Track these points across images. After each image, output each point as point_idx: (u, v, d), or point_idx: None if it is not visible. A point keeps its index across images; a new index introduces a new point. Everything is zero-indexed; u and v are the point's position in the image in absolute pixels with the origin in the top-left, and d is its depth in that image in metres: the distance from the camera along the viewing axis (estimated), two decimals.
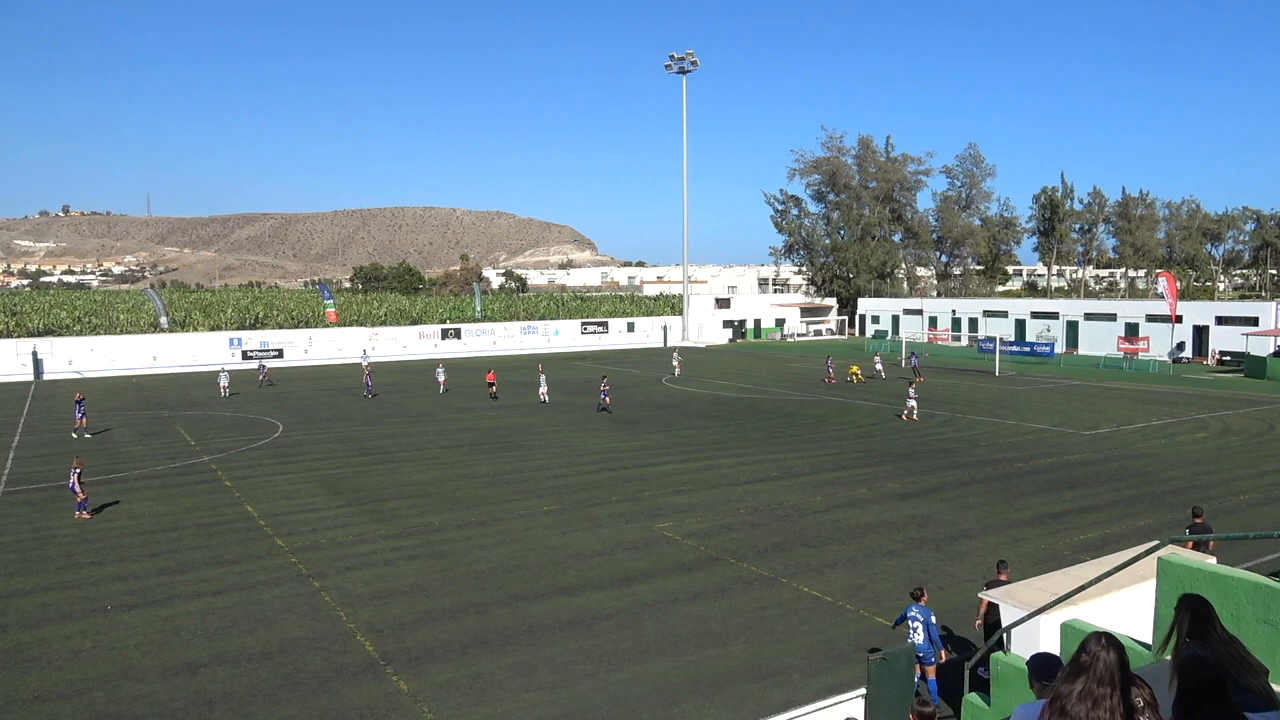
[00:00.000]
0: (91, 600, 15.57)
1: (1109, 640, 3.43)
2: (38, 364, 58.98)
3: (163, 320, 73.81)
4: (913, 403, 35.35)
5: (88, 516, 21.26)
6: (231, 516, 21.37)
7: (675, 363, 56.16)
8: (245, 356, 66.83)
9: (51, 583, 16.62)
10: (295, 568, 17.31)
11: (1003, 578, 12.75)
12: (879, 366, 50.13)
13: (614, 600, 15.18)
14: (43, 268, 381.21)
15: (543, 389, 41.13)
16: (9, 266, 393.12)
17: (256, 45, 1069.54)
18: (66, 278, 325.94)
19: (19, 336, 64.49)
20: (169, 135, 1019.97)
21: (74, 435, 33.51)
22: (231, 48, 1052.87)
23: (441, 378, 46.77)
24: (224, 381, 45.93)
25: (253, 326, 74.03)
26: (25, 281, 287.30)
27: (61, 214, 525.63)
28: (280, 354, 67.39)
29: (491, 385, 43.68)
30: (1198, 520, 14.94)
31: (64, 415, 40.44)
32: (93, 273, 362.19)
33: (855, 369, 50.64)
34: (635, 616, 14.41)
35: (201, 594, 15.84)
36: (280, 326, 74.45)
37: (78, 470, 21.71)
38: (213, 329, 72.36)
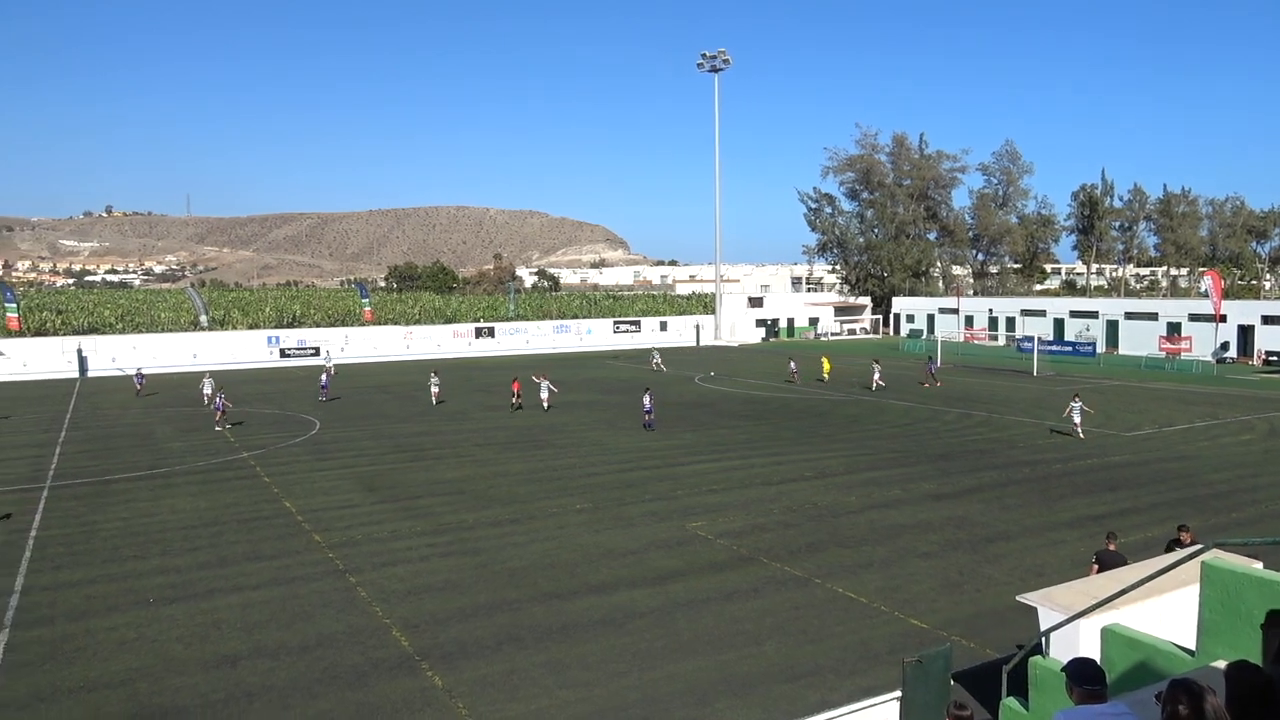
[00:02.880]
0: (135, 593, 15.88)
1: (1198, 689, 3.39)
2: (82, 361, 60.23)
3: (203, 319, 75.03)
4: (877, 374, 42.82)
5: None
6: (270, 512, 21.69)
7: (656, 360, 57.70)
8: (283, 354, 67.76)
9: (97, 575, 16.98)
10: (332, 563, 17.53)
11: (1111, 547, 13.27)
12: (877, 376, 44.78)
13: (647, 599, 15.19)
14: (87, 267, 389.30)
15: (543, 394, 38.68)
16: (55, 266, 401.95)
17: (294, 47, 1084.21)
18: (110, 277, 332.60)
19: (65, 334, 65.92)
20: (209, 136, 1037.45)
21: (217, 428, 34.50)
22: (270, 50, 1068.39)
23: (435, 389, 41.75)
24: (208, 389, 41.37)
25: (290, 325, 75.03)
26: (70, 281, 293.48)
27: (105, 214, 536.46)
28: (317, 352, 68.20)
29: (516, 395, 39.77)
30: (1110, 547, 13.55)
31: (108, 411, 41.29)
32: (135, 272, 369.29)
33: (827, 365, 49.97)
34: (668, 615, 14.41)
35: (241, 588, 16.10)
36: (317, 325, 75.39)
37: None
38: (251, 327, 73.46)
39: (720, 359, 65.66)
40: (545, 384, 39.15)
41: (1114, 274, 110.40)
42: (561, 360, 65.98)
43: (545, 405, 38.30)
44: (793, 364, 51.28)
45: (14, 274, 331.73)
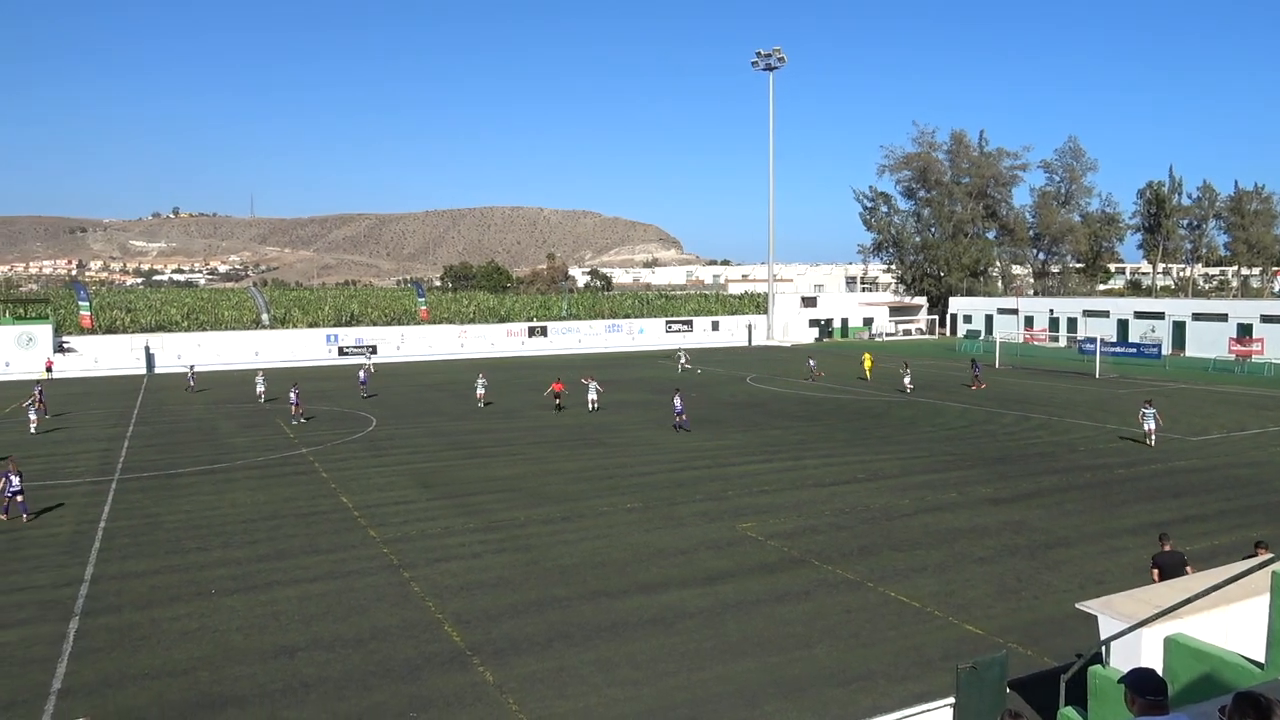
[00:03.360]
0: (197, 584, 16.33)
1: (1266, 703, 3.26)
2: (150, 358, 62.13)
3: (264, 317, 76.89)
4: (907, 377, 42.35)
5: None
6: (327, 507, 22.13)
7: (682, 361, 57.63)
8: (341, 353, 69.06)
9: (161, 566, 17.50)
10: (387, 558, 17.82)
11: (1166, 547, 13.17)
12: (907, 380, 43.68)
13: (696, 599, 15.16)
14: (155, 267, 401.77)
15: (591, 395, 38.50)
16: (125, 266, 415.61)
17: (356, 50, 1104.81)
18: (176, 276, 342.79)
19: (133, 332, 68.09)
20: (272, 138, 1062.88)
21: (293, 421, 35.84)
22: (332, 53, 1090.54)
23: (481, 390, 41.28)
24: (260, 387, 43.77)
25: (348, 323, 76.52)
26: (139, 280, 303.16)
27: (172, 215, 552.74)
28: (374, 350, 69.41)
29: (558, 396, 39.24)
30: (1166, 548, 13.18)
31: (173, 407, 42.55)
32: (200, 271, 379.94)
33: (868, 363, 50.18)
34: (717, 616, 14.37)
35: (298, 581, 16.45)
36: (374, 324, 76.75)
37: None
38: (310, 326, 75.10)
39: (773, 359, 65.26)
40: (593, 385, 38.96)
41: (1181, 274, 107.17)
42: (614, 360, 66.22)
43: (592, 407, 38.07)
44: (812, 362, 51.96)
45: (87, 274, 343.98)
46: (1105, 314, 73.64)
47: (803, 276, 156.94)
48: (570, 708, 11.34)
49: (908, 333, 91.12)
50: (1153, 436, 28.75)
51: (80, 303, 70.88)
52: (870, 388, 45.91)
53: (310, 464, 27.76)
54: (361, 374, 46.82)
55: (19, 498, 21.11)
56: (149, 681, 12.25)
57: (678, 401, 33.42)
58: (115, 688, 12.06)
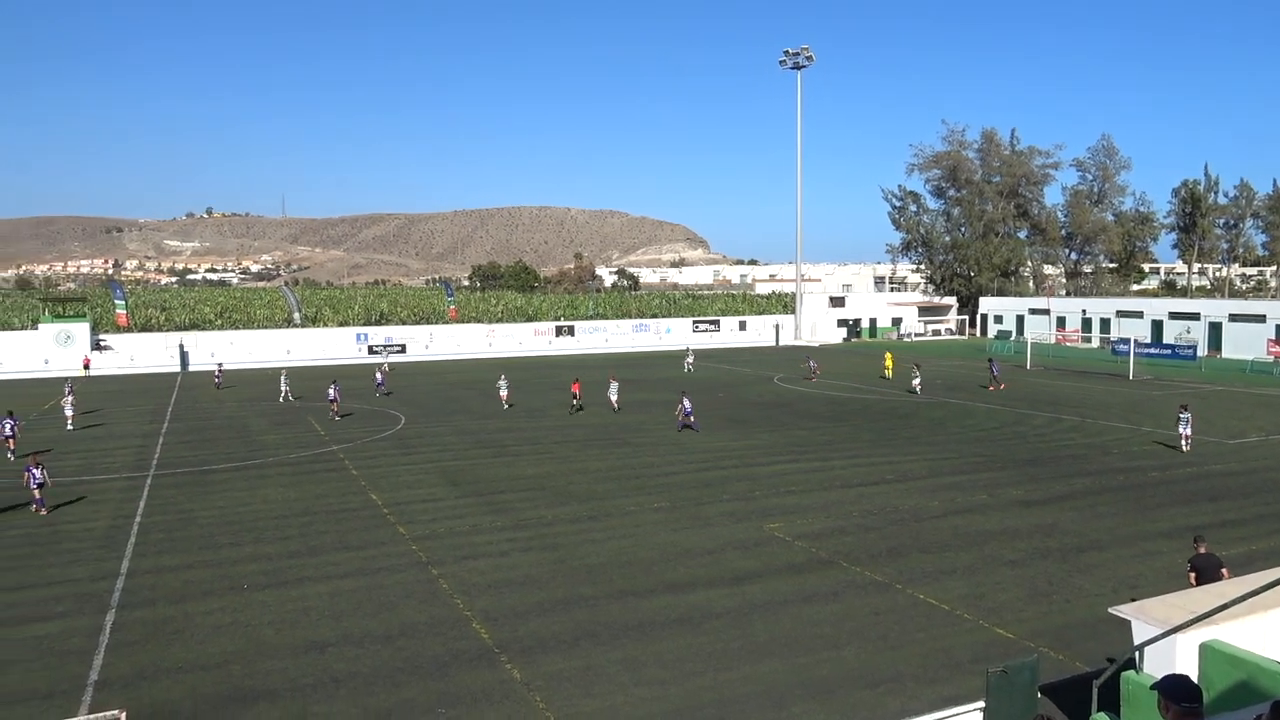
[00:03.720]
0: (230, 579, 16.56)
1: None
2: (184, 356, 63.04)
3: (295, 316, 77.76)
4: (917, 379, 42.08)
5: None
6: (357, 504, 22.34)
7: (689, 361, 57.52)
8: (370, 351, 69.66)
9: (194, 561, 17.76)
10: (415, 555, 17.96)
11: (1201, 550, 12.79)
12: (916, 381, 43.04)
13: (723, 599, 15.14)
14: (189, 266, 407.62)
15: (614, 395, 38.23)
16: (160, 265, 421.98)
17: (384, 51, 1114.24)
18: (210, 275, 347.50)
19: (168, 330, 69.15)
20: (304, 139, 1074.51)
21: (333, 418, 36.56)
22: (360, 55, 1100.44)
23: (504, 392, 40.49)
24: (284, 386, 43.81)
25: (378, 322, 77.18)
26: (174, 279, 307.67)
27: (206, 215, 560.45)
28: (403, 349, 69.96)
29: (575, 397, 38.89)
30: (1200, 550, 12.88)
31: (206, 405, 43.14)
32: (233, 271, 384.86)
33: (889, 362, 50.18)
34: (745, 617, 14.34)
35: (329, 577, 16.63)
36: (403, 323, 77.37)
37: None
38: (341, 325, 75.87)
39: (800, 359, 64.99)
40: (614, 385, 38.75)
41: (1217, 274, 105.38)
42: (640, 359, 66.28)
43: (615, 407, 37.89)
44: (812, 362, 52.65)
45: (123, 273, 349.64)
46: (1139, 315, 72.58)
47: (831, 276, 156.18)
48: (597, 706, 11.37)
49: (937, 333, 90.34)
50: (1187, 441, 28.23)
51: (116, 301, 72.10)
52: (894, 387, 45.57)
53: (341, 461, 28.04)
54: (378, 375, 47.24)
55: (38, 491, 21.66)
56: (183, 674, 12.44)
57: (686, 403, 33.35)
58: (150, 680, 12.26)
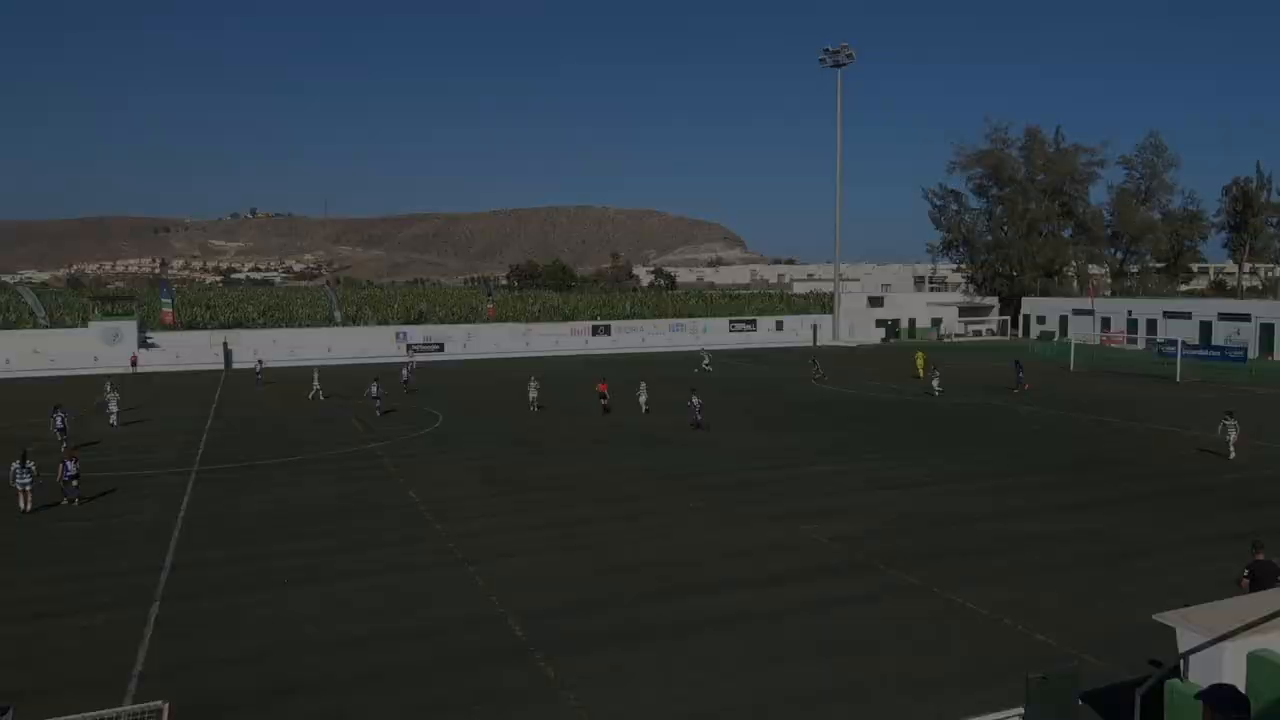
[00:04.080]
0: (270, 573, 16.82)
1: None
2: (228, 354, 64.16)
3: (336, 315, 78.74)
4: (936, 379, 41.81)
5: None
6: (395, 501, 22.58)
7: (705, 362, 56.66)
8: (409, 350, 70.37)
9: (236, 555, 18.07)
10: (452, 552, 18.10)
11: (1260, 556, 12.33)
12: (936, 381, 42.45)
13: (758, 601, 15.06)
14: (233, 266, 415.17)
15: (642, 397, 37.34)
16: (205, 264, 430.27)
17: (423, 52, 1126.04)
18: (254, 274, 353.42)
19: (212, 328, 70.44)
20: (346, 139, 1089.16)
21: (376, 413, 37.05)
22: (400, 57, 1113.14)
23: (534, 394, 39.21)
24: (317, 384, 43.65)
25: (417, 321, 77.94)
26: (219, 278, 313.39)
27: (250, 216, 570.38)
28: (441, 348, 70.55)
29: (603, 397, 38.15)
30: (1259, 556, 12.53)
31: (249, 401, 43.86)
32: (276, 270, 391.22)
33: (920, 361, 49.67)
34: (779, 619, 14.25)
35: (367, 572, 16.82)
36: (442, 322, 78.04)
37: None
38: (380, 323, 76.78)
39: (838, 359, 64.48)
40: (643, 386, 38.00)
41: (1269, 274, 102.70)
42: (676, 359, 66.19)
43: (644, 409, 36.95)
44: (816, 362, 52.88)
45: (169, 272, 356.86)
46: (1187, 315, 70.94)
47: (870, 276, 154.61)
48: (630, 706, 11.37)
49: (978, 334, 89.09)
50: (1234, 448, 27.42)
51: (163, 300, 73.63)
52: (929, 388, 44.98)
53: (379, 458, 28.36)
54: (404, 372, 47.82)
55: (74, 483, 22.42)
56: (225, 667, 12.66)
57: (695, 400, 33.36)
58: (192, 671, 12.49)
